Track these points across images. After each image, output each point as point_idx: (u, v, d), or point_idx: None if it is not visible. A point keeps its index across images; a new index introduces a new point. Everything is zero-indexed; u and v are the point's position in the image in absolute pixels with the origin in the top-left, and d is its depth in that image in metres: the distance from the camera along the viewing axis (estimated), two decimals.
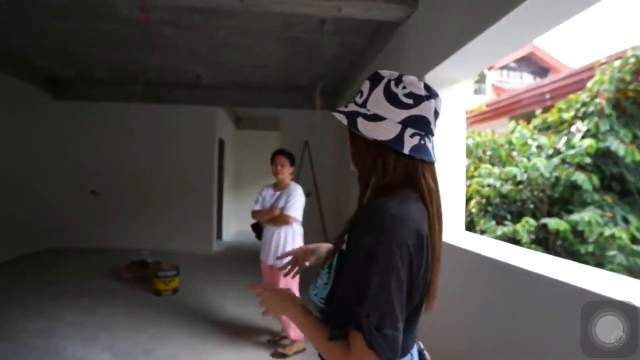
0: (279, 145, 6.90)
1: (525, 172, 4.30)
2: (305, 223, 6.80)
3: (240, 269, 5.35)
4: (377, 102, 0.82)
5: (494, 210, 4.85)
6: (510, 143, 4.75)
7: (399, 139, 0.78)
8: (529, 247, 3.86)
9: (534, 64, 13.88)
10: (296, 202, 2.84)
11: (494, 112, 7.03)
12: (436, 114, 0.83)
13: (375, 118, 0.81)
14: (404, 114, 0.79)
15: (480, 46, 2.19)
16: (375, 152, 0.82)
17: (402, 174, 0.81)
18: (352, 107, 0.86)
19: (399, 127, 0.79)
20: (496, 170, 4.51)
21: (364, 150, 0.85)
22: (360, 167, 0.90)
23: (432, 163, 0.83)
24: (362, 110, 0.83)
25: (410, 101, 0.80)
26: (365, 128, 0.80)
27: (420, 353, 0.89)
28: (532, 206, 4.50)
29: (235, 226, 9.25)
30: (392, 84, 0.81)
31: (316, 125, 6.02)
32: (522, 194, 4.49)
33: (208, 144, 6.67)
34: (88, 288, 4.17)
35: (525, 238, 3.98)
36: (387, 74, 0.83)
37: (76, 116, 6.41)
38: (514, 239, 4.16)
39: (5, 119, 5.45)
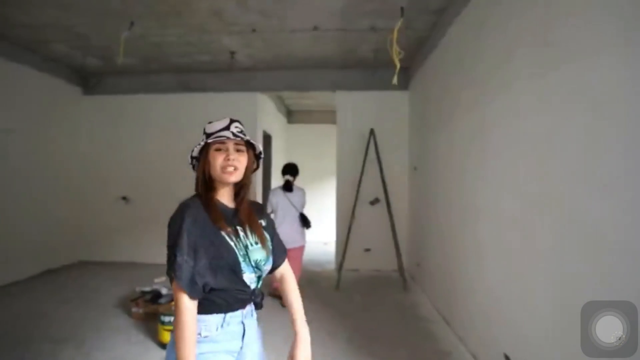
0: (336, 139, 5.49)
1: None
2: (373, 239, 5.31)
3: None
4: None
5: None
6: None
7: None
8: None
9: None
10: None
11: None
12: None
13: None
14: None
15: None
16: None
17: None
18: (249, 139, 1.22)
19: None
20: None
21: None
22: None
23: None
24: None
25: None
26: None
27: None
28: None
29: None
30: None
31: (393, 87, 4.51)
32: None
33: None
34: (84, 328, 3.17)
35: None
36: None
37: (105, 113, 5.68)
38: None
39: (33, 119, 4.84)
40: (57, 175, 5.27)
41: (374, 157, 5.01)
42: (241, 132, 1.19)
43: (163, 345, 2.80)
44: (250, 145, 1.21)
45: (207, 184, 1.19)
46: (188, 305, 1.04)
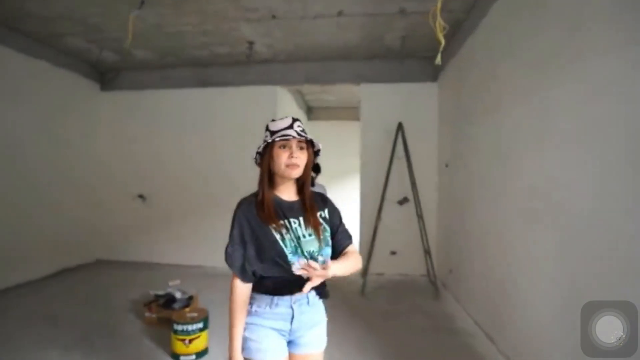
0: (360, 134, 5.18)
1: None
2: (399, 241, 4.95)
3: None
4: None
5: None
6: None
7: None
8: None
9: None
10: None
11: None
12: None
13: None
14: None
15: None
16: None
17: None
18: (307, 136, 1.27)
19: None
20: None
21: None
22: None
23: None
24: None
25: None
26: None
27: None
28: None
29: None
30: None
31: (440, 66, 4.16)
32: None
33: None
34: (95, 333, 2.98)
35: None
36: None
37: (122, 109, 5.56)
38: None
39: (51, 115, 4.76)
40: (74, 172, 5.17)
41: (401, 154, 4.67)
42: (303, 130, 1.26)
43: (175, 356, 2.57)
44: (310, 143, 1.28)
45: (270, 179, 1.27)
46: (240, 287, 1.23)
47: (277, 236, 1.21)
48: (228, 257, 1.22)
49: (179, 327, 2.55)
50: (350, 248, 1.35)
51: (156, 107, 5.47)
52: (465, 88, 3.71)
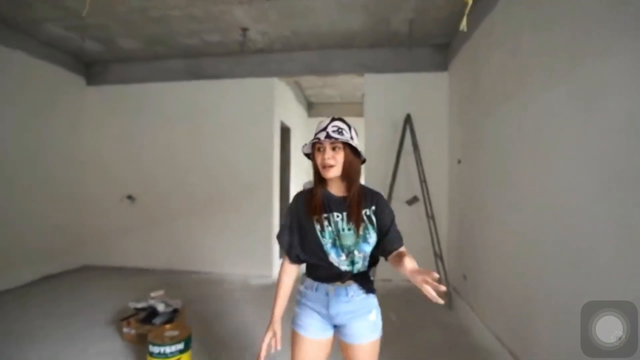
0: (364, 129, 4.79)
1: None
2: (406, 244, 4.59)
3: None
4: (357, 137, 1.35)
5: None
6: None
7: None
8: None
9: None
10: None
11: None
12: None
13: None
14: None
15: None
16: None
17: None
18: (346, 137, 1.28)
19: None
20: None
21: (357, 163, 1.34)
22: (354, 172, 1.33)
23: None
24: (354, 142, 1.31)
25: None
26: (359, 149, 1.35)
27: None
28: None
29: None
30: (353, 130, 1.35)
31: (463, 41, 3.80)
32: None
33: (265, 130, 4.86)
34: (69, 350, 2.63)
35: None
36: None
37: (110, 104, 5.21)
38: None
39: (31, 112, 4.42)
40: (58, 172, 4.84)
41: (409, 150, 4.29)
42: (337, 130, 1.27)
43: None
44: (346, 143, 1.28)
45: (318, 177, 1.34)
46: (286, 266, 1.43)
47: (318, 227, 1.31)
48: (278, 239, 1.40)
49: (155, 349, 2.19)
50: (402, 249, 1.32)
51: (146, 102, 5.12)
52: (481, 75, 3.33)
